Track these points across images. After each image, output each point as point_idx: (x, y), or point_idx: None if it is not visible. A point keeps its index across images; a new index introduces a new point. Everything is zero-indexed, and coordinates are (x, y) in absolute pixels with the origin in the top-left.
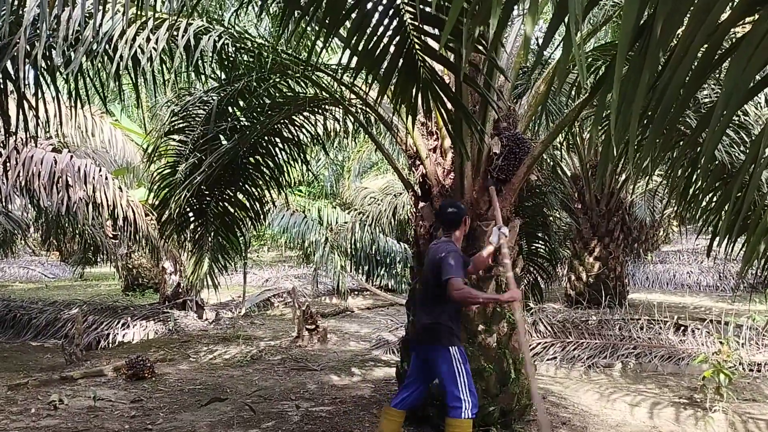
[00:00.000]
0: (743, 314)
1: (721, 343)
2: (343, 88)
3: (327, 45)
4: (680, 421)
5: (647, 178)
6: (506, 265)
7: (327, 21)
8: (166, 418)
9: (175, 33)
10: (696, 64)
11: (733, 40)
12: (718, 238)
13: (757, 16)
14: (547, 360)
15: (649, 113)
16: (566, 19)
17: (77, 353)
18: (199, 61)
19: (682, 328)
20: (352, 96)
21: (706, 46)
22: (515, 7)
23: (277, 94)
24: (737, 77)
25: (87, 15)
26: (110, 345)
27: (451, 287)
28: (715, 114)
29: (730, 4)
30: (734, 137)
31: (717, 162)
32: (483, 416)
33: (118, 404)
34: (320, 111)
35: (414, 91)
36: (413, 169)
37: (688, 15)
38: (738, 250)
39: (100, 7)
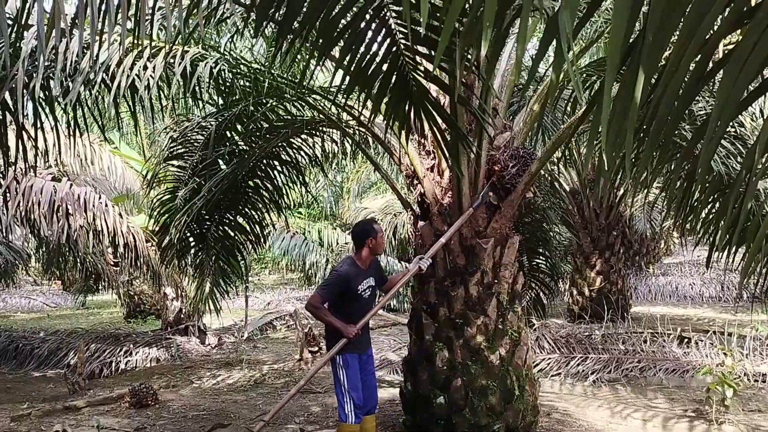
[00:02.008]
0: (747, 325)
1: (725, 354)
2: (340, 110)
3: (320, 64)
4: None
5: (646, 191)
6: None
7: (320, 43)
8: None
9: (171, 60)
10: (688, 77)
11: (725, 51)
12: (716, 249)
13: (746, 28)
14: (552, 376)
15: (644, 127)
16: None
17: (80, 382)
18: (196, 88)
19: (686, 340)
20: (349, 117)
21: (697, 59)
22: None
23: (274, 118)
24: (729, 89)
25: (84, 45)
26: (113, 373)
27: (310, 297)
28: (710, 126)
29: (720, 17)
30: (731, 149)
31: (715, 173)
32: None
33: None
34: (318, 133)
35: (406, 109)
36: (411, 188)
37: (678, 29)
38: (738, 261)
39: (98, 38)
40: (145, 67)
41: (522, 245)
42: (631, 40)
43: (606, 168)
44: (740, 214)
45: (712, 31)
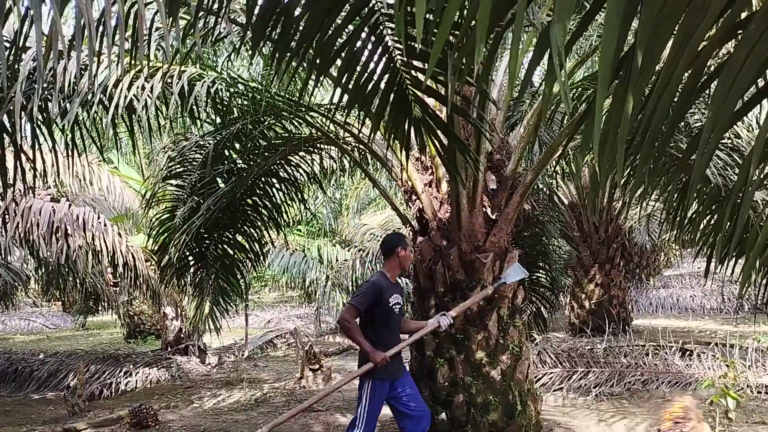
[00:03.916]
0: (749, 336)
1: (727, 366)
2: (337, 127)
3: (318, 83)
4: None
5: (644, 203)
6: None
7: (317, 62)
8: None
9: (169, 80)
10: (681, 89)
11: (718, 63)
12: (714, 260)
13: (739, 39)
14: (554, 390)
15: (637, 140)
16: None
17: (80, 404)
18: (194, 107)
19: (688, 352)
20: (346, 134)
21: (689, 71)
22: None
23: (272, 136)
24: (722, 100)
25: (82, 66)
26: (113, 394)
27: (344, 310)
28: (703, 137)
29: (712, 28)
30: (728, 160)
31: (712, 185)
32: None
33: None
34: (316, 150)
35: (406, 125)
36: (410, 204)
37: (670, 42)
38: (738, 272)
39: (95, 58)
40: (143, 87)
41: (521, 259)
42: (623, 53)
43: (599, 179)
44: (736, 225)
45: (704, 43)
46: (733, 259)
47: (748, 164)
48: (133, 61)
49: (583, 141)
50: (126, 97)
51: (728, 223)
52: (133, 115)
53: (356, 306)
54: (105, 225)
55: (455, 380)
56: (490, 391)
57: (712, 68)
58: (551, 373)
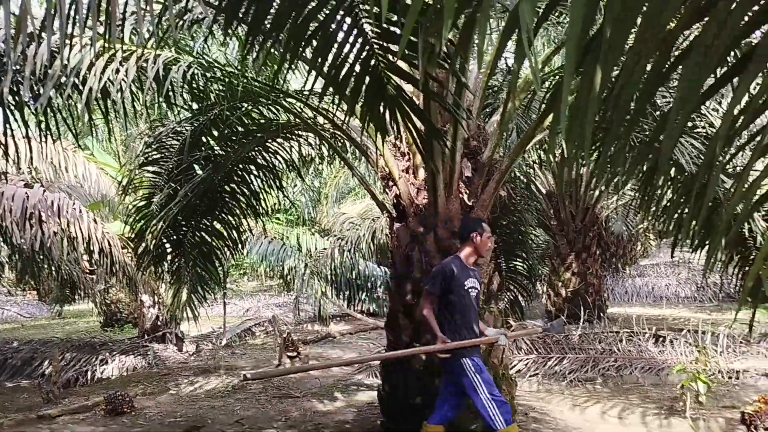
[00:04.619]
0: (721, 323)
1: (698, 352)
2: (315, 113)
3: (292, 66)
4: (657, 429)
5: (619, 191)
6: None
7: (291, 44)
8: None
9: (144, 64)
10: (649, 70)
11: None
12: (681, 242)
13: (706, 20)
14: (530, 376)
15: (606, 120)
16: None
17: (54, 391)
18: (170, 92)
19: (662, 339)
20: (325, 120)
21: (657, 53)
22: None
23: (249, 122)
24: (689, 82)
25: (54, 49)
26: (89, 382)
27: (422, 298)
28: (671, 117)
29: (679, 10)
30: (702, 149)
31: (686, 173)
32: None
33: None
34: (294, 137)
35: (381, 109)
36: (387, 190)
37: (638, 22)
38: (712, 260)
39: (68, 41)
40: (117, 71)
41: (500, 247)
42: (591, 33)
43: (567, 156)
44: (702, 206)
45: (672, 24)
46: (701, 243)
47: (714, 146)
48: (106, 45)
49: (553, 119)
50: (100, 80)
51: (694, 205)
52: (108, 100)
53: (429, 291)
54: (80, 211)
55: (431, 365)
56: None
57: (679, 50)
58: (527, 359)
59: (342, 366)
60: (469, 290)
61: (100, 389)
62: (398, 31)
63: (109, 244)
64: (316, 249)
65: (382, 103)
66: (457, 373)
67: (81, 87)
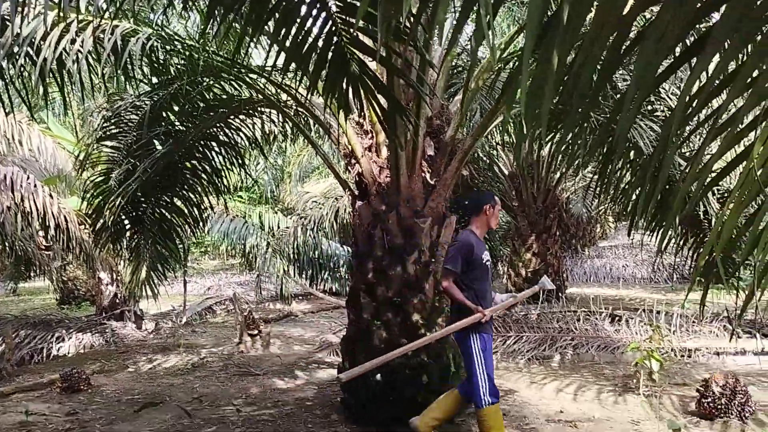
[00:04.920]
0: (675, 303)
1: (652, 330)
2: (278, 90)
3: (253, 39)
4: (611, 406)
5: (581, 174)
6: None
7: (252, 17)
8: (102, 429)
9: (101, 35)
10: (607, 50)
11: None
12: (636, 222)
13: (662, 3)
14: None
15: (561, 106)
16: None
17: (8, 369)
18: (129, 65)
19: (617, 318)
20: (288, 98)
21: (615, 34)
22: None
23: (210, 97)
24: (645, 64)
25: (5, 17)
26: (44, 359)
27: (442, 277)
28: (627, 97)
29: None
30: (660, 131)
31: (645, 156)
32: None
33: (52, 418)
34: (257, 114)
35: (344, 86)
36: (349, 168)
37: (595, 3)
38: (666, 240)
39: (19, 9)
40: (73, 42)
41: (462, 227)
42: (551, 11)
43: (524, 131)
44: (657, 187)
45: (629, 6)
46: (654, 223)
47: (669, 127)
48: (60, 14)
49: (510, 96)
50: (54, 50)
51: (648, 185)
52: (64, 72)
53: (451, 270)
54: (35, 186)
55: (391, 342)
56: (425, 352)
57: (637, 31)
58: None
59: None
60: (486, 263)
61: (56, 366)
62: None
63: (66, 220)
64: (278, 227)
65: (345, 79)
66: (465, 345)
67: (35, 57)
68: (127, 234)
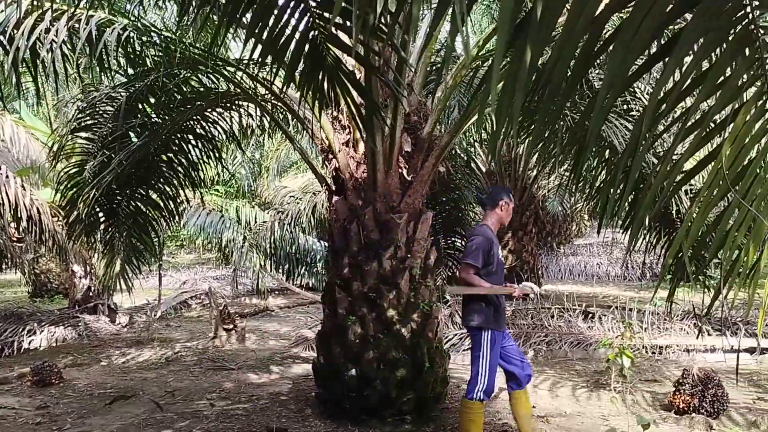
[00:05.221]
0: (647, 301)
1: (625, 327)
2: (256, 84)
3: (229, 31)
4: (583, 402)
5: (557, 172)
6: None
7: (230, 9)
8: (74, 423)
9: (76, 25)
10: (580, 49)
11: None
12: (619, 224)
13: (634, 4)
14: (463, 350)
15: (534, 105)
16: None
17: None
18: (105, 56)
19: (591, 315)
20: (266, 92)
21: (588, 34)
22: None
23: (187, 90)
24: (618, 64)
25: None
26: (15, 353)
27: (461, 274)
28: (600, 96)
29: None
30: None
31: (619, 155)
32: (399, 405)
33: (23, 411)
34: (234, 107)
35: (320, 80)
36: (327, 163)
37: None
38: (641, 241)
39: None
40: (48, 30)
41: (439, 224)
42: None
43: (496, 132)
44: (627, 185)
45: (602, 6)
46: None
47: (640, 125)
48: (35, 2)
49: (483, 92)
50: (28, 39)
51: (620, 180)
52: (38, 62)
53: (473, 264)
54: (7, 177)
55: (366, 337)
56: (399, 348)
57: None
58: (461, 333)
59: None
60: (500, 257)
61: (27, 360)
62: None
63: (39, 212)
64: (255, 222)
65: (321, 73)
66: (476, 339)
67: (8, 47)
68: (102, 227)
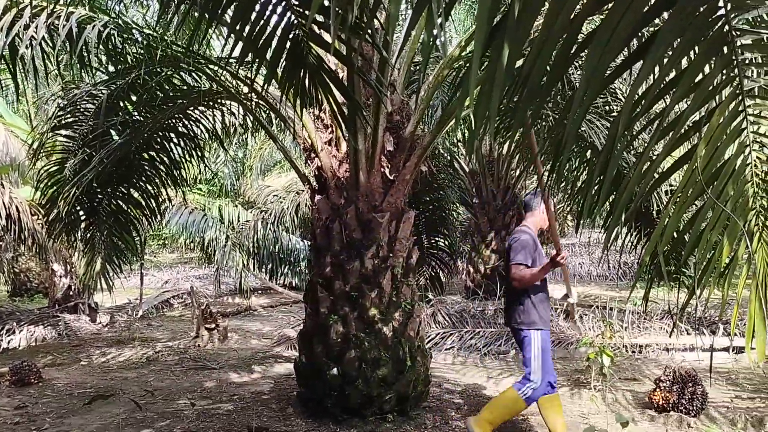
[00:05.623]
0: (628, 301)
1: (605, 326)
2: (239, 82)
3: (211, 30)
4: (564, 400)
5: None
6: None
7: (210, 6)
8: (53, 423)
9: (56, 21)
10: (557, 52)
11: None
12: (588, 219)
13: (611, 5)
14: (445, 349)
15: (512, 105)
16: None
17: None
18: (85, 53)
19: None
20: (249, 91)
21: (565, 35)
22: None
23: (169, 88)
24: (594, 64)
25: None
26: None
27: (511, 273)
28: (577, 96)
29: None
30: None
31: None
32: (380, 404)
33: (1, 411)
34: (217, 105)
35: (302, 78)
36: (309, 162)
37: (546, 5)
38: (621, 240)
39: None
40: (27, 27)
41: (422, 224)
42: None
43: (474, 131)
44: (604, 183)
45: (578, 9)
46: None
47: (617, 125)
48: None
49: (462, 90)
50: (6, 34)
51: (597, 177)
52: (17, 58)
53: (521, 262)
54: None
55: (348, 336)
56: (381, 347)
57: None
58: (443, 332)
59: None
60: (544, 257)
61: (5, 360)
62: None
63: (18, 210)
64: (238, 221)
65: (302, 73)
66: (525, 342)
67: None
68: (82, 225)
